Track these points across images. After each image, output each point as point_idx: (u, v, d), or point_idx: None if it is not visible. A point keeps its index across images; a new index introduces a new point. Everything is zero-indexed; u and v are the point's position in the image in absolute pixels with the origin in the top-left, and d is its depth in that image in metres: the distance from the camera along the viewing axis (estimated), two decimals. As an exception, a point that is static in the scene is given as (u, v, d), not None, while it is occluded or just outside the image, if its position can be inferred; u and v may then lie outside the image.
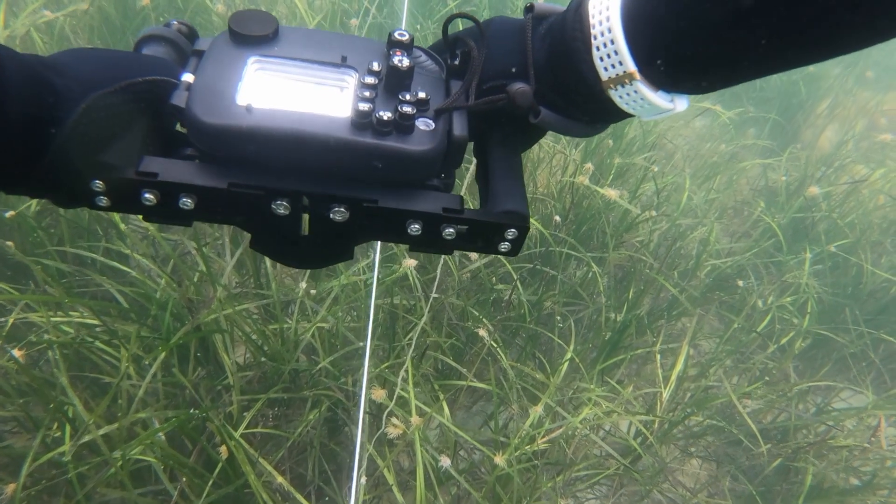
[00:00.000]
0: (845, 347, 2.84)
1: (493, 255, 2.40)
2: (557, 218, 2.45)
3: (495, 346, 2.32)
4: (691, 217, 3.31)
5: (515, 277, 2.40)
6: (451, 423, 2.17)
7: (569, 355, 2.06)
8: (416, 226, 0.51)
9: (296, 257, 0.56)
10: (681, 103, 0.51)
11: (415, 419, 1.47)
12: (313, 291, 2.30)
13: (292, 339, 2.13)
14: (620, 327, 2.37)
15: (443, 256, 2.46)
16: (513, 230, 0.54)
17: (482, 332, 1.77)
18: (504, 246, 0.55)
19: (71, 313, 1.92)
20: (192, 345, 2.04)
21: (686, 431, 2.56)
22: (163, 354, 1.86)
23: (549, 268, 2.55)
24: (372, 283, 1.36)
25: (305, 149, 0.48)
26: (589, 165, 2.28)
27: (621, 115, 0.54)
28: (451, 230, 0.52)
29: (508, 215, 0.54)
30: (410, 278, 2.28)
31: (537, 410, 1.64)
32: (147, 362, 1.94)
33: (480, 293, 2.49)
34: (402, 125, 0.50)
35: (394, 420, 1.81)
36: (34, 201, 2.24)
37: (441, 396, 2.03)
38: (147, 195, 0.48)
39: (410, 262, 1.81)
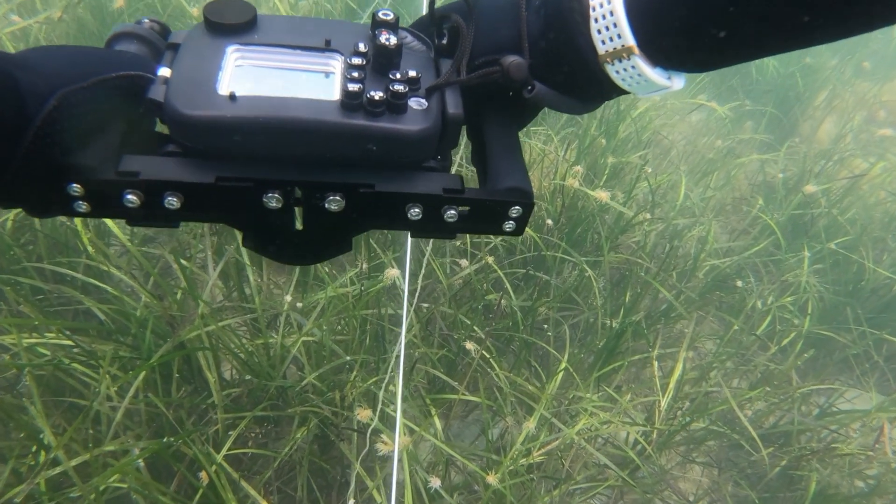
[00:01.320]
0: (847, 348, 2.79)
1: (484, 262, 2.33)
2: (549, 222, 2.40)
3: (488, 355, 2.27)
4: (688, 216, 3.26)
5: (506, 284, 2.35)
6: (444, 437, 2.12)
7: (563, 365, 2.01)
8: (416, 209, 0.49)
9: (291, 253, 0.53)
10: (678, 81, 0.50)
11: (402, 440, 1.41)
12: (300, 304, 2.25)
13: (278, 353, 2.08)
14: (616, 334, 2.32)
15: (431, 265, 2.41)
16: (517, 208, 0.52)
17: (469, 346, 1.71)
18: (509, 225, 0.53)
19: (47, 334, 1.87)
20: (175, 363, 1.99)
21: (687, 437, 2.51)
22: (142, 374, 1.81)
23: (543, 272, 2.50)
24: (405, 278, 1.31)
25: (294, 135, 0.46)
26: (578, 168, 2.23)
27: (617, 92, 0.52)
28: (453, 212, 0.50)
29: (511, 192, 0.52)
30: (399, 287, 2.23)
31: (529, 426, 1.59)
32: (127, 382, 1.89)
33: (472, 300, 2.44)
34: (395, 104, 0.48)
35: (383, 437, 1.76)
36: (10, 216, 2.19)
37: (433, 411, 1.98)
38: (129, 196, 0.45)
39: (393, 272, 1.75)
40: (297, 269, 2.31)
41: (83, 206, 0.46)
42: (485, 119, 0.58)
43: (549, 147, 3.08)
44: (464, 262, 2.15)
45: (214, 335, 2.02)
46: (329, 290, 2.15)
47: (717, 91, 4.33)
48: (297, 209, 0.49)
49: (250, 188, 0.46)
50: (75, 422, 1.43)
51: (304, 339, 2.12)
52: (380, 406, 1.82)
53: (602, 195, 2.07)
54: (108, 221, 1.97)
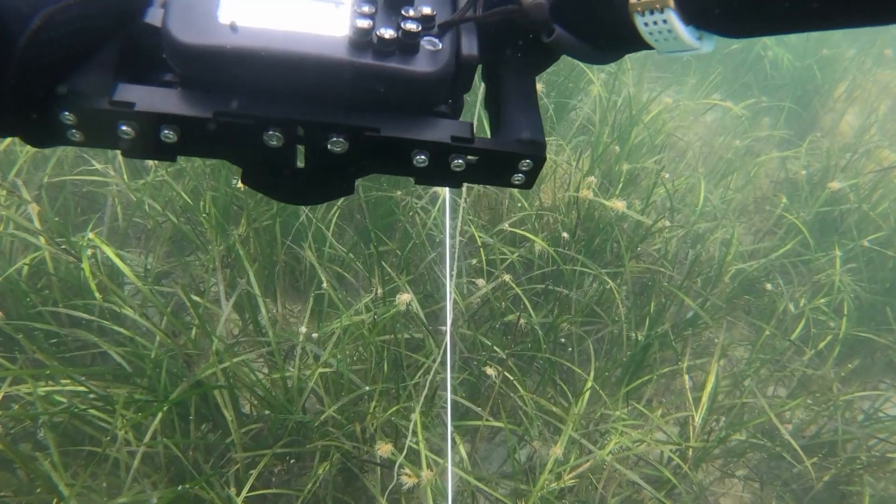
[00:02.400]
0: (889, 349, 2.66)
1: (501, 280, 2.28)
2: (566, 235, 2.34)
3: (511, 377, 2.21)
4: (710, 219, 3.17)
5: (525, 302, 2.29)
6: (472, 461, 2.06)
7: (589, 384, 1.94)
8: (423, 156, 0.47)
9: (291, 193, 0.51)
10: (708, 44, 0.47)
11: (426, 473, 1.36)
12: (315, 335, 2.22)
13: (296, 386, 2.04)
14: (643, 347, 2.24)
15: (448, 286, 2.36)
16: (528, 161, 0.50)
17: (490, 371, 1.66)
18: (517, 178, 0.51)
19: (63, 381, 1.86)
20: (192, 402, 1.96)
21: (725, 450, 2.41)
22: (159, 416, 1.79)
23: (563, 287, 2.43)
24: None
25: (298, 72, 0.44)
26: (592, 178, 2.18)
27: (640, 46, 0.49)
28: (461, 161, 0.48)
29: (523, 144, 0.50)
30: (416, 310, 2.19)
31: (557, 452, 1.52)
32: (144, 425, 1.87)
33: (491, 319, 2.38)
34: (406, 44, 0.46)
35: (406, 470, 1.70)
36: (26, 261, 2.20)
37: (458, 440, 1.92)
38: (124, 127, 0.43)
39: (405, 297, 1.71)
40: (312, 297, 2.28)
41: (77, 136, 0.44)
42: (501, 63, 0.55)
43: (561, 157, 3.03)
44: (480, 282, 2.10)
45: (230, 371, 2.00)
46: (344, 319, 2.11)
47: (731, 88, 4.24)
48: (299, 147, 0.47)
49: (251, 125, 0.44)
50: (86, 471, 1.41)
51: (322, 370, 2.08)
52: (408, 437, 1.77)
53: (618, 205, 2.01)
54: (121, 264, 1.96)
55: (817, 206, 2.97)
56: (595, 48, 0.51)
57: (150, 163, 2.42)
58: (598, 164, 2.85)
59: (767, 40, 4.15)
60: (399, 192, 2.54)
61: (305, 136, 0.46)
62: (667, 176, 2.56)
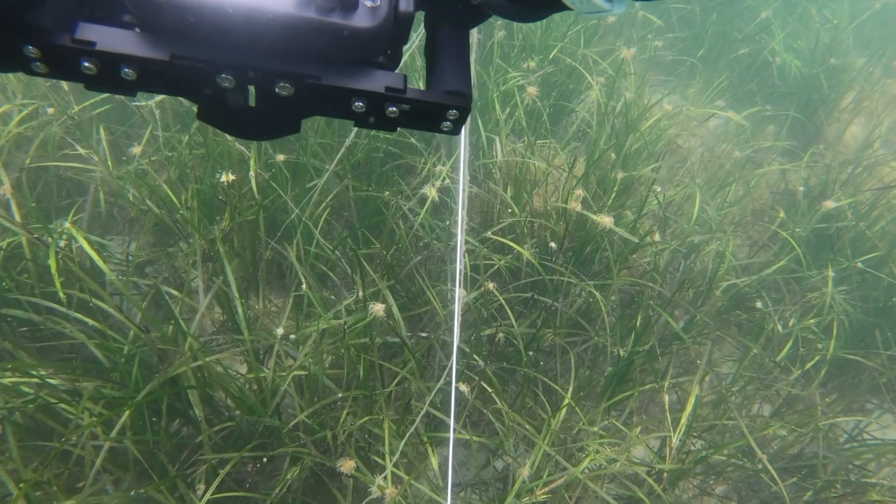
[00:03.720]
0: (877, 371, 2.63)
1: (484, 289, 2.25)
2: (553, 245, 2.30)
3: (489, 389, 2.18)
4: (705, 230, 3.13)
5: (508, 312, 2.25)
6: (448, 467, 2.04)
7: (566, 401, 1.91)
8: (360, 103, 0.52)
9: (242, 129, 0.56)
10: (619, 6, 0.50)
11: (389, 491, 1.34)
12: (293, 336, 2.19)
13: (269, 388, 2.02)
14: (625, 363, 2.21)
15: (429, 293, 2.33)
16: (454, 111, 0.55)
17: (462, 388, 1.63)
18: (446, 126, 0.56)
19: (31, 372, 1.83)
20: (164, 398, 1.94)
21: (705, 466, 2.39)
22: (128, 413, 1.77)
23: (549, 297, 2.40)
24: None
25: (249, 24, 0.47)
26: (579, 192, 2.13)
27: (560, 7, 0.53)
28: (395, 108, 0.53)
29: (451, 96, 0.54)
30: (395, 316, 2.15)
31: (524, 473, 1.49)
32: (113, 419, 1.85)
33: (475, 327, 2.35)
34: (347, 1, 0.49)
35: (378, 482, 1.68)
36: (3, 244, 2.17)
37: (430, 451, 1.90)
38: (86, 64, 0.46)
39: (378, 308, 1.68)
40: (292, 297, 2.25)
41: (41, 68, 0.47)
42: (437, 16, 0.60)
43: (556, 161, 2.98)
44: (462, 292, 2.06)
45: (204, 369, 1.97)
46: (321, 322, 2.08)
47: (736, 94, 4.17)
48: (251, 87, 0.51)
49: (203, 68, 0.48)
50: (46, 467, 1.38)
51: (297, 373, 2.06)
52: (387, 452, 1.75)
53: (605, 220, 1.96)
54: (95, 256, 1.93)
55: (814, 222, 2.91)
56: (521, 7, 0.54)
57: (135, 150, 2.37)
58: (593, 170, 2.80)
59: (777, 46, 4.06)
60: (387, 193, 2.49)
61: (255, 80, 0.50)
62: (658, 189, 2.50)
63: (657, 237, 2.33)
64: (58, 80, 0.52)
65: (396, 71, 0.54)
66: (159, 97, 2.38)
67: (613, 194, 2.60)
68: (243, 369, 2.35)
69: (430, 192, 2.42)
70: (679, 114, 3.83)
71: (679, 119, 3.73)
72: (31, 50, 0.45)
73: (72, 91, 2.87)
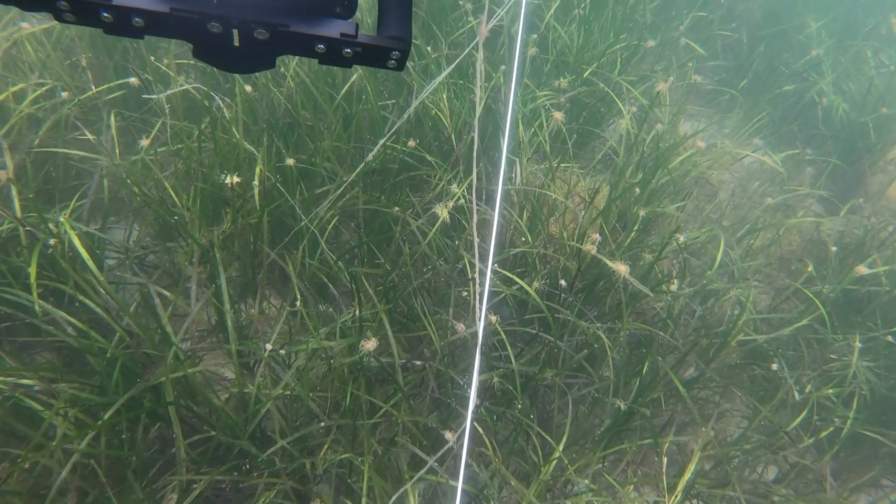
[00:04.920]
0: None
1: (484, 323, 2.15)
2: (563, 282, 2.20)
3: (480, 430, 2.09)
4: (725, 274, 2.99)
5: (508, 348, 2.16)
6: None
7: (557, 454, 1.81)
8: (322, 46, 0.65)
9: (228, 64, 0.67)
10: None
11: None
12: (282, 351, 2.12)
13: (252, 407, 1.95)
14: (624, 416, 2.10)
15: (426, 322, 2.23)
16: (396, 52, 0.68)
17: (448, 435, 1.54)
18: (391, 63, 0.69)
19: (10, 371, 1.79)
20: (142, 408, 1.89)
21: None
22: (101, 421, 1.71)
23: (554, 335, 2.29)
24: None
25: None
26: (596, 235, 2.02)
27: None
28: (349, 50, 0.66)
29: (394, 40, 0.67)
30: (392, 345, 2.07)
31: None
32: (86, 423, 1.80)
33: (471, 355, 2.25)
34: None
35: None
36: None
37: (410, 493, 1.82)
38: (105, 14, 0.59)
39: (369, 346, 1.60)
40: (285, 312, 2.18)
41: (69, 17, 0.59)
42: None
43: (578, 187, 2.86)
44: (460, 327, 1.97)
45: (187, 379, 1.92)
46: (312, 343, 2.01)
47: (775, 132, 3.99)
48: (235, 32, 0.62)
49: (196, 18, 0.60)
50: (13, 476, 1.33)
51: (281, 392, 1.99)
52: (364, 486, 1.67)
53: (621, 268, 1.86)
54: (86, 255, 1.88)
55: (844, 282, 2.76)
56: None
57: (143, 143, 2.32)
58: (615, 203, 2.68)
59: (826, 86, 3.87)
60: (396, 209, 2.40)
61: (238, 27, 0.62)
62: (681, 239, 2.38)
63: (674, 287, 2.21)
64: (83, 25, 0.62)
65: (351, 19, 0.67)
66: (170, 91, 2.32)
67: (633, 233, 2.47)
68: (231, 373, 2.29)
69: (442, 212, 2.33)
70: (713, 147, 3.68)
71: (713, 153, 3.58)
72: (63, 3, 0.58)
73: (90, 68, 2.83)
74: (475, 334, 2.23)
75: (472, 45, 2.68)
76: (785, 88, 3.95)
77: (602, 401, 2.44)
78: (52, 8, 0.58)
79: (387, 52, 0.67)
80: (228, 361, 2.32)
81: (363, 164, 2.30)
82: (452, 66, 1.41)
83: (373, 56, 0.67)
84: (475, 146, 1.02)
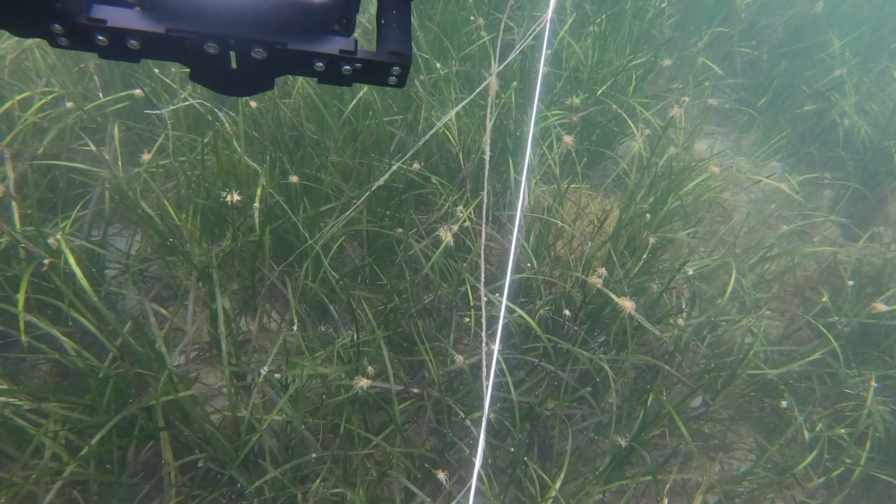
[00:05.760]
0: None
1: (489, 356, 2.11)
2: (567, 312, 2.14)
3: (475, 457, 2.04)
4: (737, 302, 2.91)
5: (508, 378, 2.11)
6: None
7: (553, 493, 1.76)
8: (320, 63, 0.63)
9: (226, 87, 0.66)
10: None
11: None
12: (277, 375, 2.09)
13: (244, 433, 1.93)
14: (624, 453, 2.04)
15: (420, 345, 2.19)
16: (397, 68, 0.66)
17: (440, 476, 1.50)
18: (392, 80, 0.68)
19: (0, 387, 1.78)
20: (137, 422, 1.88)
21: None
22: (90, 443, 1.70)
23: (557, 362, 2.24)
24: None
25: (224, 5, 0.60)
26: (602, 270, 1.96)
27: None
28: (348, 67, 0.64)
29: (394, 55, 0.66)
30: (389, 374, 2.03)
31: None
32: (76, 444, 1.79)
33: (471, 382, 2.21)
34: None
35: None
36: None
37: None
38: (100, 37, 0.58)
39: (363, 383, 1.56)
40: (282, 336, 2.15)
41: (64, 41, 0.58)
42: None
43: (588, 208, 2.80)
44: (458, 358, 1.93)
45: (179, 402, 1.89)
46: (307, 369, 1.98)
47: (794, 154, 3.90)
48: (232, 53, 0.62)
49: (192, 38, 0.59)
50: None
51: (275, 418, 1.96)
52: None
53: (627, 304, 1.80)
54: (80, 274, 1.86)
55: (861, 316, 2.68)
56: None
57: (145, 157, 2.30)
58: (625, 228, 2.61)
59: (848, 107, 3.77)
60: (399, 231, 2.36)
61: (235, 47, 0.61)
62: (690, 272, 2.31)
63: (681, 321, 2.15)
64: (78, 50, 0.63)
65: (352, 35, 0.65)
66: (173, 106, 2.30)
67: (641, 262, 2.41)
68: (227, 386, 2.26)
69: (446, 235, 2.29)
70: (729, 168, 3.60)
71: (728, 172, 3.50)
72: (57, 27, 0.57)
73: (98, 74, 2.82)
74: (481, 365, 2.19)
75: (483, 85, 2.64)
76: (805, 108, 3.86)
77: (605, 429, 2.38)
78: (46, 33, 0.57)
79: (387, 68, 0.66)
80: (223, 379, 2.29)
81: (371, 188, 2.26)
82: (465, 101, 1.37)
83: (373, 73, 0.66)
84: (486, 169, 0.98)
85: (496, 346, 1.10)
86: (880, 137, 3.69)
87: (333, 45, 0.63)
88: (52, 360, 2.02)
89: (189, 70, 0.64)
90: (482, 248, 1.43)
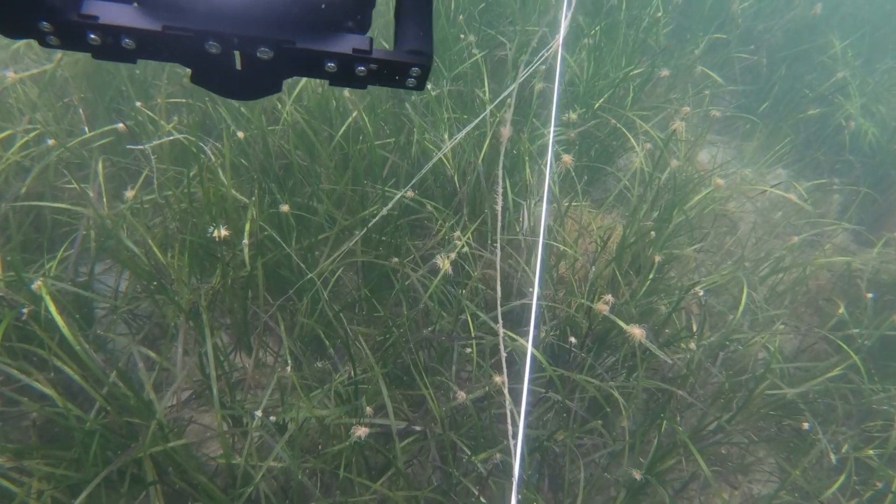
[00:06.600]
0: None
1: (490, 386, 2.03)
2: (573, 339, 2.06)
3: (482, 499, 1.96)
4: (749, 317, 2.82)
5: (513, 411, 2.02)
6: None
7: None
8: (332, 63, 0.58)
9: (230, 90, 0.61)
10: None
11: None
12: (273, 418, 2.01)
13: (239, 481, 1.84)
14: (639, 486, 1.95)
15: (421, 383, 2.11)
16: (416, 68, 0.61)
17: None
18: (410, 82, 0.62)
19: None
20: (127, 475, 1.80)
21: None
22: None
23: (563, 393, 2.16)
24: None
25: None
26: (608, 296, 1.88)
27: None
28: (363, 68, 0.59)
29: (413, 54, 0.61)
30: (389, 409, 1.95)
31: None
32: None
33: (476, 416, 2.12)
34: None
35: None
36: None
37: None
38: (92, 35, 0.54)
39: (361, 431, 1.48)
40: (276, 376, 2.07)
41: (54, 41, 0.54)
42: None
43: (590, 226, 2.73)
44: (460, 395, 1.85)
45: (171, 450, 1.81)
46: (304, 412, 1.90)
47: (799, 160, 3.82)
48: (236, 53, 0.57)
49: (192, 37, 0.55)
50: None
51: (272, 464, 1.88)
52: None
53: (636, 332, 1.73)
54: (62, 323, 1.79)
55: (882, 328, 2.58)
56: None
57: (129, 194, 2.24)
58: (629, 248, 2.54)
59: (853, 109, 3.70)
60: (395, 261, 2.29)
61: (238, 46, 0.56)
62: (701, 293, 2.23)
63: (692, 346, 2.07)
64: (70, 50, 0.58)
65: (367, 33, 0.60)
66: (157, 142, 2.24)
67: (648, 281, 2.33)
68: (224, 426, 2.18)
69: (444, 263, 2.21)
70: (733, 176, 3.52)
71: (732, 181, 3.42)
72: (46, 25, 0.53)
73: (82, 106, 2.77)
74: (485, 399, 2.10)
75: (494, 128, 2.58)
76: (809, 113, 3.79)
77: (619, 455, 2.29)
78: (35, 32, 0.54)
79: (405, 69, 0.61)
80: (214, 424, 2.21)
81: (373, 221, 2.19)
82: (463, 132, 1.31)
83: (390, 73, 0.61)
84: (498, 212, 0.90)
85: (523, 404, 1.01)
86: (889, 139, 3.62)
87: (346, 44, 0.58)
88: (36, 412, 1.94)
89: (190, 72, 0.60)
90: (498, 272, 1.36)
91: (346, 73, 0.59)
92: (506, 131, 0.93)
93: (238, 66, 0.58)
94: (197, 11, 0.55)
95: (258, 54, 0.56)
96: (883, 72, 4.14)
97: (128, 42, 0.54)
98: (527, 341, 2.01)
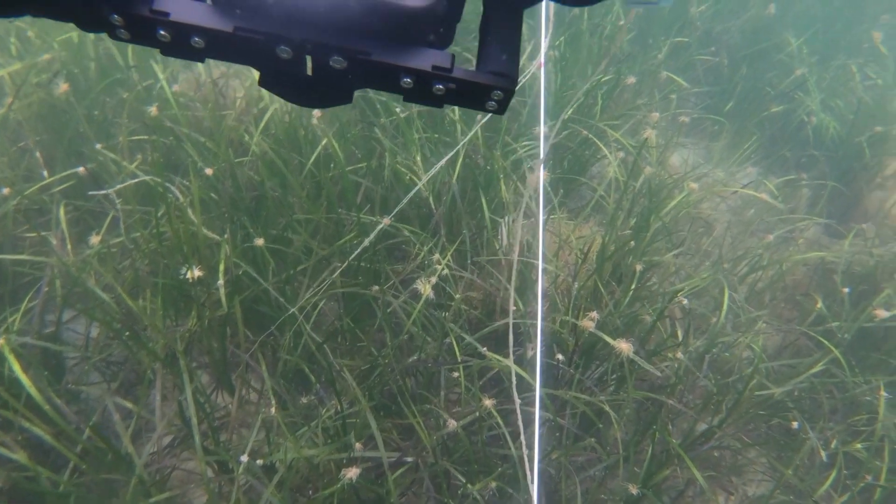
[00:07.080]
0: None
1: (485, 410, 2.00)
2: (560, 357, 2.05)
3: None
4: (731, 316, 2.85)
5: (506, 434, 2.00)
6: None
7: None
8: (409, 79, 0.56)
9: (299, 97, 0.60)
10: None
11: None
12: (260, 461, 1.95)
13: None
14: (636, 499, 1.94)
15: (413, 421, 2.07)
16: (499, 91, 0.58)
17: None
18: (491, 105, 0.60)
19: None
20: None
21: None
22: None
23: (552, 411, 2.14)
24: None
25: (310, 2, 0.53)
26: (594, 314, 1.88)
27: None
28: (441, 86, 0.57)
29: (496, 77, 0.58)
30: (379, 442, 1.91)
31: None
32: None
33: (468, 441, 2.09)
34: None
35: None
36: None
37: None
38: (162, 32, 0.53)
39: (351, 473, 1.44)
40: (260, 417, 2.01)
41: (124, 34, 0.54)
42: None
43: (568, 238, 2.74)
44: (452, 423, 1.82)
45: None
46: (291, 452, 1.84)
47: (767, 157, 3.91)
48: (308, 59, 0.55)
49: (263, 40, 0.53)
50: None
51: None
52: None
53: (624, 346, 1.72)
54: (24, 378, 1.71)
55: (860, 321, 2.63)
56: None
57: (94, 240, 2.17)
58: (609, 259, 2.55)
59: (814, 105, 3.80)
60: (375, 289, 2.26)
61: (311, 52, 0.55)
62: (685, 302, 2.25)
63: (680, 355, 2.07)
64: (139, 45, 0.54)
65: (448, 49, 0.58)
66: (119, 186, 2.18)
67: (631, 292, 2.34)
68: (211, 472, 2.10)
69: (425, 288, 2.19)
70: (705, 176, 3.58)
71: (705, 183, 3.47)
72: (116, 19, 0.53)
73: (38, 149, 2.68)
74: (476, 423, 2.07)
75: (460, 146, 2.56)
76: (772, 110, 3.88)
77: (613, 468, 2.28)
78: (106, 25, 0.54)
79: (487, 92, 0.58)
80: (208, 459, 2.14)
81: (355, 253, 2.16)
82: (442, 161, 1.29)
83: (469, 95, 0.58)
84: (509, 243, 0.88)
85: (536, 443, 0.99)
86: (848, 132, 3.72)
87: (426, 60, 0.56)
88: (3, 476, 1.85)
89: (259, 75, 0.59)
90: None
91: (422, 90, 0.57)
92: (535, 177, 0.92)
93: (308, 73, 0.57)
94: (271, 14, 0.54)
95: (331, 63, 0.55)
96: (837, 67, 4.27)
97: (197, 41, 0.53)
98: (513, 362, 1.99)
